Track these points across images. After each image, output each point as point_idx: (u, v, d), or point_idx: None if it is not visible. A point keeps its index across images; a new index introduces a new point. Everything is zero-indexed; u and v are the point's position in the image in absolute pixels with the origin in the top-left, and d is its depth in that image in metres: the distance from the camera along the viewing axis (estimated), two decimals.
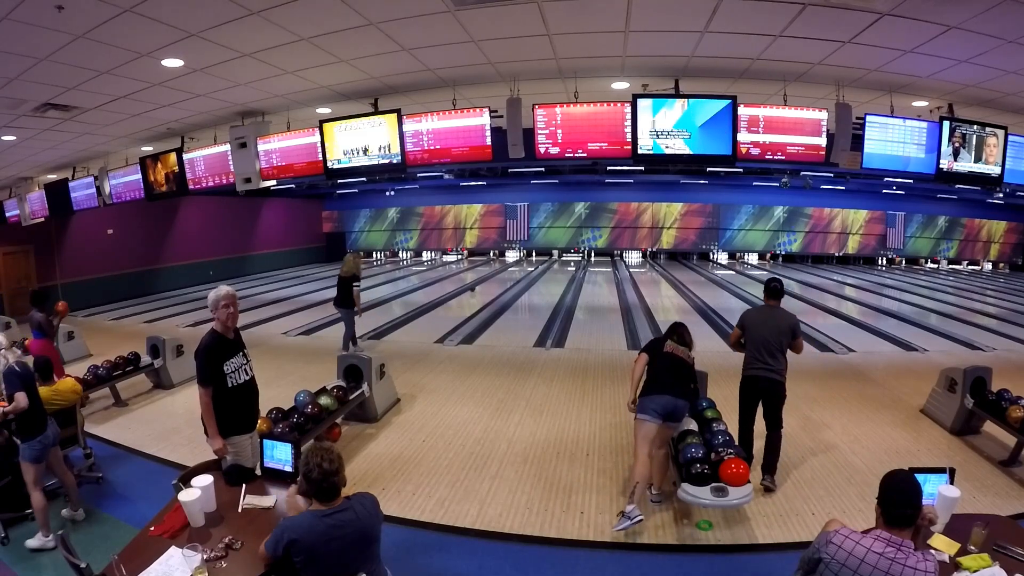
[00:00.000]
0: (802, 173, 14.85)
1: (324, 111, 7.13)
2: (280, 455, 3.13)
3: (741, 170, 15.04)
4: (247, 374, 3.43)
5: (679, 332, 4.24)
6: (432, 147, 6.37)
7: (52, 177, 10.77)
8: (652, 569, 3.45)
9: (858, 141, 5.99)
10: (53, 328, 6.74)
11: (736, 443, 4.14)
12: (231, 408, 3.31)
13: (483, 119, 6.08)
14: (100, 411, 6.24)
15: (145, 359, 6.95)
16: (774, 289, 4.51)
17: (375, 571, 2.38)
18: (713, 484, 3.56)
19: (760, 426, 4.40)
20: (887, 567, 1.96)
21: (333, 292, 8.34)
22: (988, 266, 23.57)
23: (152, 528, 2.63)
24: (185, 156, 8.16)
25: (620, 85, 6.19)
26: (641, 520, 3.63)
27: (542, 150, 6.10)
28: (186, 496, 2.62)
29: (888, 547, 1.99)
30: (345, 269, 8.06)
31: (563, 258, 24.53)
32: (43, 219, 11.27)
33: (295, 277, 19.34)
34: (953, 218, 23.20)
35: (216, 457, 3.27)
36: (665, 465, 4.12)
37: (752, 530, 3.80)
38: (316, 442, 2.40)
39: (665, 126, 5.78)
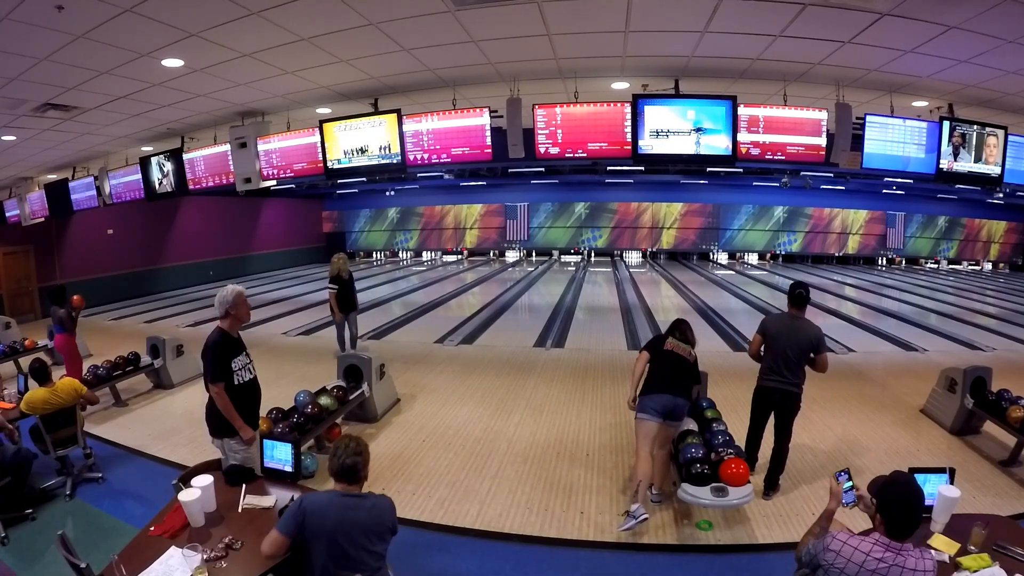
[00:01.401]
0: (802, 173, 14.84)
1: (324, 111, 7.13)
2: (280, 455, 3.13)
3: (741, 170, 15.03)
4: (251, 373, 3.48)
5: (681, 329, 4.18)
6: (432, 147, 6.37)
7: (52, 177, 10.77)
8: (652, 569, 3.45)
9: (858, 141, 5.98)
10: (73, 322, 6.80)
11: (737, 445, 4.11)
12: (237, 406, 3.34)
13: (483, 119, 6.08)
14: (100, 411, 6.23)
15: (145, 359, 6.95)
16: (798, 296, 4.09)
17: (378, 571, 2.39)
18: (713, 484, 3.56)
19: (767, 433, 4.32)
20: (886, 571, 1.96)
21: None
22: (988, 266, 23.56)
23: (152, 528, 2.63)
24: (185, 156, 8.16)
25: (620, 85, 6.18)
26: (647, 519, 3.63)
27: (542, 150, 6.10)
28: (186, 496, 2.62)
29: (887, 552, 1.98)
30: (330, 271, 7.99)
31: (563, 259, 24.53)
32: (43, 219, 11.26)
33: (295, 277, 19.34)
34: (953, 218, 23.18)
35: (219, 457, 3.28)
36: (666, 465, 4.11)
37: (752, 530, 3.81)
38: (348, 435, 2.58)
39: (665, 126, 5.79)
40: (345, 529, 2.33)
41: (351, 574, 2.31)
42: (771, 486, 4.23)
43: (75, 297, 6.92)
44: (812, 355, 4.06)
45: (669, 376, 3.92)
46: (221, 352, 3.31)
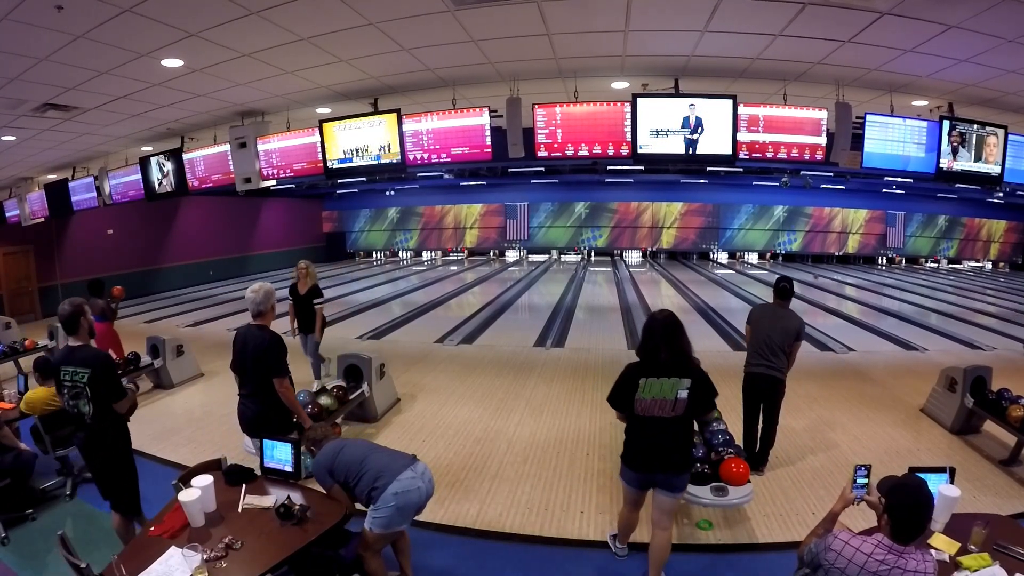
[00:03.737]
0: (802, 172, 14.83)
1: (324, 111, 7.13)
2: (280, 455, 3.13)
3: (741, 170, 15.03)
4: None
5: (672, 353, 2.83)
6: (432, 147, 6.36)
7: (52, 177, 10.76)
8: None
9: (858, 140, 5.98)
10: (113, 312, 7.05)
11: (738, 442, 4.13)
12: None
13: (483, 119, 6.08)
14: None
15: (145, 359, 6.95)
16: (783, 289, 4.49)
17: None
18: (713, 484, 3.56)
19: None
20: (887, 573, 1.95)
21: (332, 292, 8.30)
22: (988, 265, 23.56)
23: (152, 528, 2.63)
24: (185, 156, 8.15)
25: (620, 85, 6.18)
26: (625, 556, 3.55)
27: (542, 150, 6.10)
28: (186, 496, 2.62)
29: (889, 555, 1.98)
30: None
31: (562, 259, 24.51)
32: (43, 219, 11.26)
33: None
34: (953, 217, 23.20)
35: (218, 457, 3.27)
36: (666, 548, 3.20)
37: (752, 530, 3.81)
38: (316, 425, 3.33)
39: (665, 125, 5.78)
40: (361, 444, 3.10)
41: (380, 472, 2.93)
42: (762, 461, 4.46)
43: (116, 288, 7.18)
44: (792, 342, 4.36)
45: (646, 448, 2.97)
46: (285, 347, 3.50)
